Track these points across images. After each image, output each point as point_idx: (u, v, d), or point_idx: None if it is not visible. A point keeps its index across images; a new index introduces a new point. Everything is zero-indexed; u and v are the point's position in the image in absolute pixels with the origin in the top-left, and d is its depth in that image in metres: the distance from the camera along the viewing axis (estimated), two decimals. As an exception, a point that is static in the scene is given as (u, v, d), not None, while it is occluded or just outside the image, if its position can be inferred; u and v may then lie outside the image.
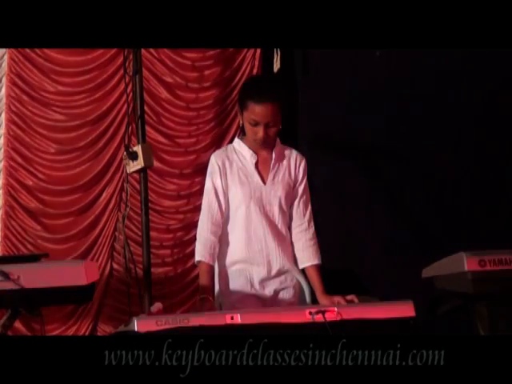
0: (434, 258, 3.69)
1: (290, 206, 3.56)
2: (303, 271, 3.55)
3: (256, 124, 3.42)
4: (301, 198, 3.57)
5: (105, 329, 5.11)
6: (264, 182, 3.51)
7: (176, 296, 5.19)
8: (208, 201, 3.51)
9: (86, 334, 5.06)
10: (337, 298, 3.30)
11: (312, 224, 3.56)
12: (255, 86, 3.55)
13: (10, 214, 5.10)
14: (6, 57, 5.12)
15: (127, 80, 4.88)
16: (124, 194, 5.07)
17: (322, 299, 3.40)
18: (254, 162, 3.52)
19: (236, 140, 3.61)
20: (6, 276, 3.08)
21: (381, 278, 4.86)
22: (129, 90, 4.91)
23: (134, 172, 4.84)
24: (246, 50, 5.37)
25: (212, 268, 3.47)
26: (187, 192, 5.28)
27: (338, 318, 2.95)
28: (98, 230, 5.16)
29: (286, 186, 3.53)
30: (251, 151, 3.52)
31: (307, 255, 3.52)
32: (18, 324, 4.81)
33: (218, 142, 5.31)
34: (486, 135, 5.05)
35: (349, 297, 3.29)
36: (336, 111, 5.15)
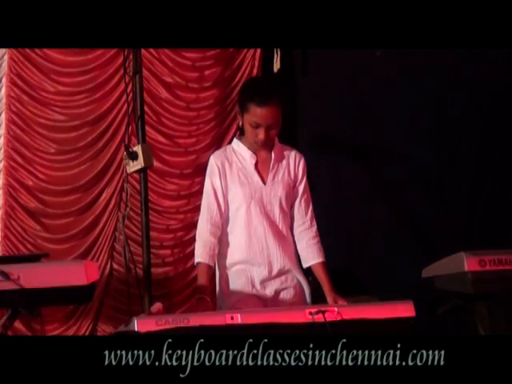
0: (434, 258, 3.69)
1: (291, 206, 3.56)
2: (308, 270, 3.55)
3: (258, 126, 3.41)
4: (302, 196, 3.57)
5: (105, 329, 5.11)
6: (264, 183, 3.51)
7: (176, 296, 5.19)
8: (207, 202, 3.51)
9: (86, 334, 5.06)
10: (342, 302, 3.30)
11: (314, 222, 3.57)
12: (256, 88, 3.51)
13: (10, 214, 5.10)
14: (5, 57, 5.12)
15: (127, 80, 4.88)
16: (124, 194, 5.07)
17: (330, 297, 3.40)
18: (253, 162, 3.51)
19: (234, 141, 3.60)
20: (6, 276, 3.08)
21: (381, 278, 4.87)
22: (129, 90, 4.91)
23: (133, 172, 4.84)
24: (246, 50, 5.37)
25: (211, 269, 3.47)
26: (187, 192, 5.28)
27: (338, 318, 2.95)
28: (98, 230, 5.16)
29: (286, 185, 3.53)
30: (250, 152, 3.52)
31: (311, 253, 3.52)
32: (18, 324, 4.81)
33: (218, 141, 5.31)
34: (486, 135, 5.06)
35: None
36: (336, 111, 5.15)
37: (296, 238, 3.56)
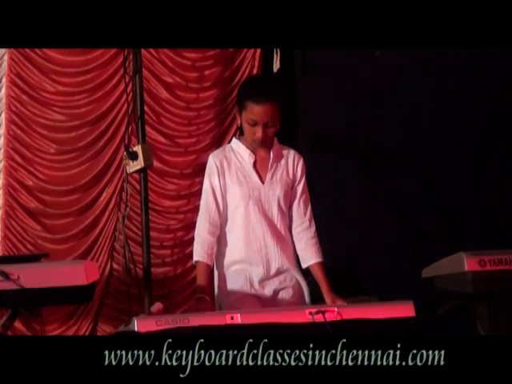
0: (434, 258, 3.69)
1: (290, 206, 3.57)
2: (307, 270, 3.55)
3: (255, 124, 3.42)
4: (300, 197, 3.57)
5: (105, 329, 5.11)
6: (262, 182, 3.51)
7: (176, 296, 5.19)
8: (206, 201, 3.52)
9: (86, 334, 5.06)
10: (340, 303, 3.30)
11: (313, 223, 3.57)
12: (254, 85, 3.54)
13: (10, 214, 5.10)
14: (6, 57, 5.12)
15: (127, 80, 4.88)
16: (124, 194, 5.07)
17: (327, 297, 3.40)
18: (252, 161, 3.52)
19: (234, 140, 3.60)
20: (6, 276, 3.08)
21: (381, 278, 4.86)
22: (129, 90, 4.91)
23: (133, 172, 4.84)
24: (246, 50, 5.37)
25: (209, 268, 3.48)
26: (187, 192, 5.28)
27: (338, 318, 2.95)
28: (98, 230, 5.16)
29: (285, 185, 3.53)
30: (249, 151, 3.52)
31: (310, 254, 3.52)
32: (18, 324, 4.81)
33: (218, 141, 5.31)
34: (486, 135, 5.06)
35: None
36: (336, 111, 5.15)
37: (294, 239, 3.56)
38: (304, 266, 3.55)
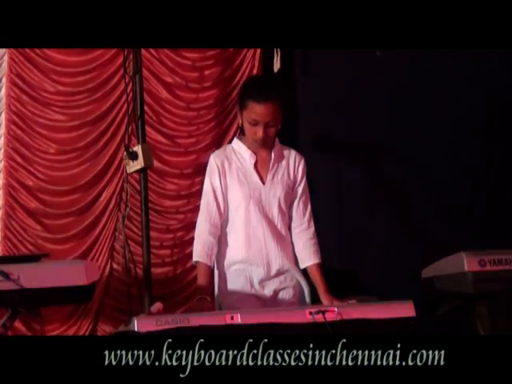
0: (434, 258, 3.69)
1: (290, 207, 3.57)
2: (304, 271, 3.55)
3: (256, 123, 3.42)
4: (300, 198, 3.57)
5: (105, 329, 5.11)
6: (263, 182, 3.51)
7: (176, 296, 5.18)
8: (206, 201, 3.52)
9: (86, 334, 5.06)
10: (337, 303, 3.30)
11: (312, 223, 3.57)
12: (255, 85, 3.54)
13: (10, 214, 5.10)
14: (5, 57, 5.11)
15: (127, 80, 4.88)
16: (124, 194, 5.06)
17: (324, 298, 3.40)
18: (253, 162, 3.52)
19: (235, 140, 3.60)
20: (6, 276, 3.08)
21: (381, 278, 4.86)
22: (129, 90, 4.90)
23: (133, 172, 4.83)
24: (245, 50, 5.37)
25: (210, 268, 3.48)
26: (187, 192, 5.28)
27: (338, 318, 2.95)
28: (98, 230, 5.16)
29: (285, 186, 3.53)
30: (250, 151, 3.52)
31: (308, 254, 3.52)
32: (18, 324, 4.81)
33: (218, 141, 5.30)
34: (487, 135, 5.06)
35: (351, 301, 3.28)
36: (336, 111, 5.15)
37: (293, 239, 3.56)
38: (302, 266, 3.55)
